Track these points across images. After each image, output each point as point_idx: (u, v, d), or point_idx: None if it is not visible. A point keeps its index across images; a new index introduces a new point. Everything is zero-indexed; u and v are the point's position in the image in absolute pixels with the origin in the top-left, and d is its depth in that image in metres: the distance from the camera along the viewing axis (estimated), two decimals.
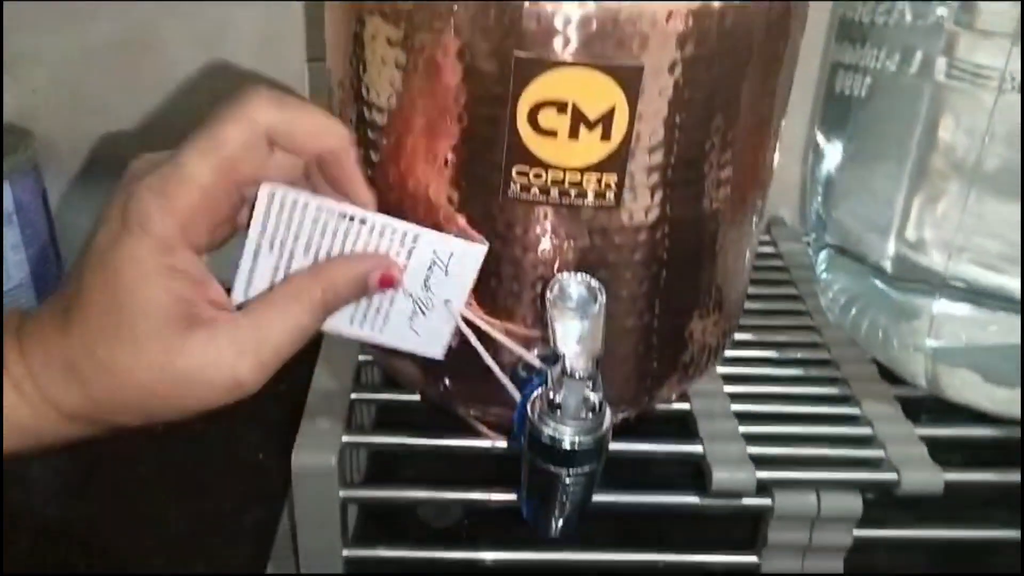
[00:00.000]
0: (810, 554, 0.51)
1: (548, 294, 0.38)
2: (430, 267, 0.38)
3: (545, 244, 0.40)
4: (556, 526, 0.39)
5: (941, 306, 0.55)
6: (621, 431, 0.50)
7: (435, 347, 0.41)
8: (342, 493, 0.49)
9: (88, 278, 0.35)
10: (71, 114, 0.70)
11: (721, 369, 0.57)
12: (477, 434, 0.50)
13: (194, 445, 0.61)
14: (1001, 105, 0.52)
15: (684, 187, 0.40)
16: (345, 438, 0.49)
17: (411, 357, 0.41)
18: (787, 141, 0.70)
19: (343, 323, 0.39)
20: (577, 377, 0.35)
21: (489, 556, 0.52)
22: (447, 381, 0.46)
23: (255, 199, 0.36)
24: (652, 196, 0.39)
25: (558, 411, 0.36)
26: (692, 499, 0.50)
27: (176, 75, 0.68)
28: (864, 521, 0.50)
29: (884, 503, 0.51)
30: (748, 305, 0.62)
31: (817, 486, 0.50)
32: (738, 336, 0.60)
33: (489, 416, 0.48)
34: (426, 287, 0.38)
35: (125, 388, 0.34)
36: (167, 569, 0.56)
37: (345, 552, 0.51)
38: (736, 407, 0.54)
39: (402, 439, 0.51)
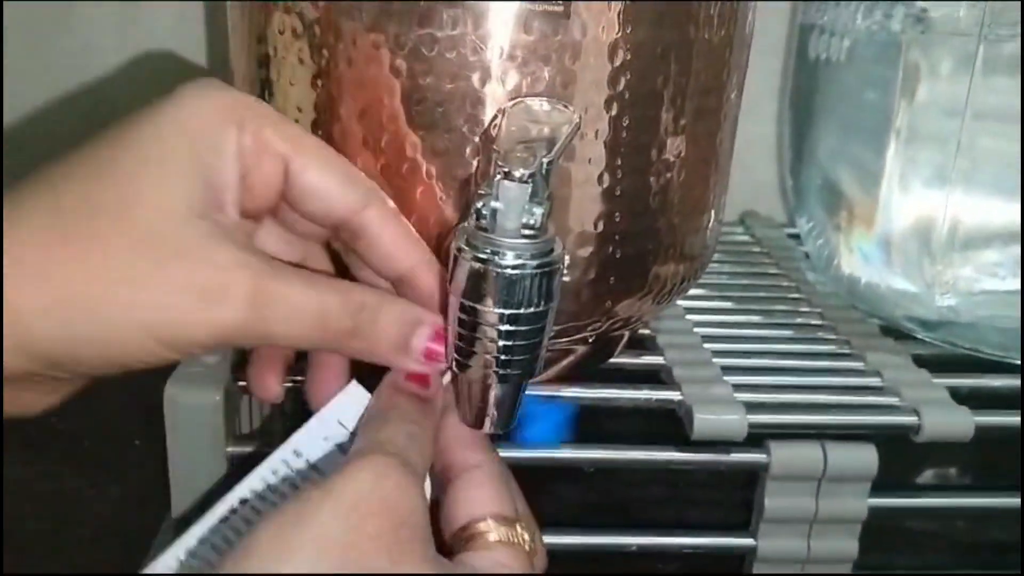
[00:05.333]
0: (817, 528, 0.42)
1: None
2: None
3: (477, 64, 0.32)
4: (490, 411, 0.30)
5: (947, 266, 0.48)
6: (582, 378, 0.42)
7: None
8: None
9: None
10: None
11: (699, 330, 0.48)
12: None
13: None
14: (983, 53, 0.47)
15: (649, 2, 0.33)
16: None
17: None
18: (760, 113, 0.65)
19: None
20: (516, 178, 0.27)
21: None
22: None
23: None
24: (610, 7, 0.32)
25: (490, 228, 0.27)
26: (671, 454, 0.41)
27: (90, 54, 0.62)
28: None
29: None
30: (728, 281, 0.55)
31: (822, 435, 0.41)
32: (717, 304, 0.52)
33: None
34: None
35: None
36: None
37: (229, 449, 0.39)
38: (720, 361, 0.45)
39: None
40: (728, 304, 0.52)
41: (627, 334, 0.43)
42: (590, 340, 0.39)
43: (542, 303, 0.28)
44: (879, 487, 0.41)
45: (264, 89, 0.37)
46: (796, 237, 0.62)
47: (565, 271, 0.29)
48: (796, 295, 0.54)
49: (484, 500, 0.29)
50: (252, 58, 0.37)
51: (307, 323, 0.28)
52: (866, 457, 0.40)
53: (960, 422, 0.40)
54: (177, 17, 0.61)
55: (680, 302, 0.50)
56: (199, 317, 0.27)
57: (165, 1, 0.60)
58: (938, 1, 0.48)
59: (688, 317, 0.50)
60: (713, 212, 0.41)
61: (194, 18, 0.61)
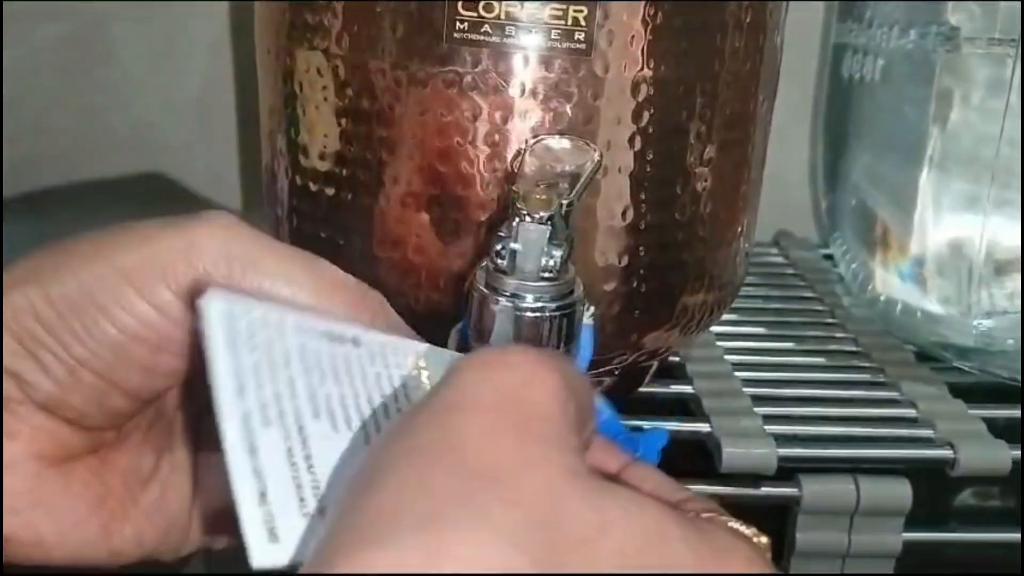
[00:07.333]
0: (850, 564, 0.41)
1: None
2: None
3: (499, 101, 0.32)
4: None
5: (983, 290, 0.47)
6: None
7: None
8: None
9: None
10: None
11: (730, 357, 0.48)
12: None
13: None
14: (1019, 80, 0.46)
15: (672, 38, 0.33)
16: None
17: None
18: (795, 133, 0.65)
19: None
20: (535, 220, 0.27)
21: None
22: None
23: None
24: (632, 43, 0.32)
25: (509, 270, 0.27)
26: (699, 487, 0.40)
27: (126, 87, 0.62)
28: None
29: None
30: (761, 305, 0.55)
31: (854, 468, 0.40)
32: (750, 330, 0.52)
33: None
34: None
35: None
36: None
37: None
38: (751, 390, 0.44)
39: None
40: (760, 330, 0.52)
41: (656, 363, 0.43)
42: (616, 372, 0.39)
43: (562, 344, 0.28)
44: (914, 520, 0.40)
45: (291, 125, 0.37)
46: (831, 258, 0.61)
47: (590, 311, 0.29)
48: (830, 320, 0.53)
49: None
50: (279, 93, 0.37)
51: None
52: (900, 491, 0.40)
53: (996, 456, 0.39)
54: (210, 49, 0.62)
55: (712, 328, 0.50)
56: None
57: (200, 33, 0.61)
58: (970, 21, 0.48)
59: (719, 344, 0.49)
60: (742, 241, 0.41)
61: (225, 50, 0.62)
